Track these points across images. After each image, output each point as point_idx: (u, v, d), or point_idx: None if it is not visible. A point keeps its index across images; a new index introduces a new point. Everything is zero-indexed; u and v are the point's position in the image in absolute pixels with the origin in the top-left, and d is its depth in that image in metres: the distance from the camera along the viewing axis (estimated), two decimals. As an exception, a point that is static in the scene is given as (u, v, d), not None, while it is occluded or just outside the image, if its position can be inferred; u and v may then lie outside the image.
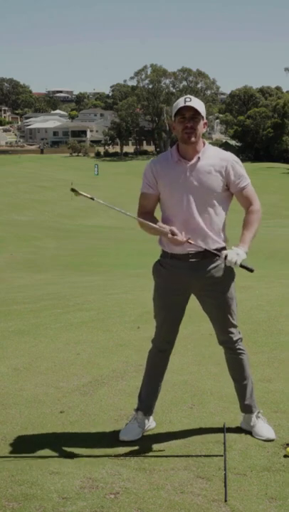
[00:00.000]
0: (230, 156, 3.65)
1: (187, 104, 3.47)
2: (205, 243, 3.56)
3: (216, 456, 3.47)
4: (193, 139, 3.51)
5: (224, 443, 3.54)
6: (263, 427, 3.74)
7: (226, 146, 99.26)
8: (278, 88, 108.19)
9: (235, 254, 3.48)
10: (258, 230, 3.65)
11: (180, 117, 3.51)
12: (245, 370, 3.81)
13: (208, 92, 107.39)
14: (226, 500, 3.02)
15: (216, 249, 3.58)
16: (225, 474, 3.21)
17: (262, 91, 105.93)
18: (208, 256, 3.58)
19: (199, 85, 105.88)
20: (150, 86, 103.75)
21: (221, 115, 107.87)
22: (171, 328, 3.78)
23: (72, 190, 3.67)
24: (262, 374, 4.87)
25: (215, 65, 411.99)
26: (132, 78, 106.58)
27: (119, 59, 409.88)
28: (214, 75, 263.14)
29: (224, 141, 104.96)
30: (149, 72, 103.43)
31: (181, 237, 3.49)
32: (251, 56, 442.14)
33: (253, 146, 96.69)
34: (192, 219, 3.56)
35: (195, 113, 3.49)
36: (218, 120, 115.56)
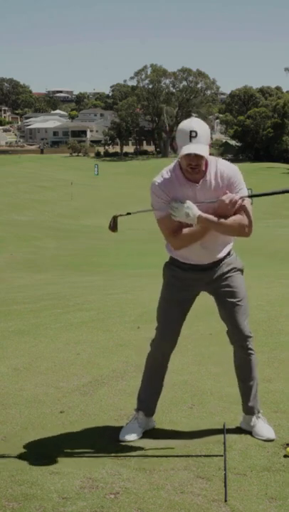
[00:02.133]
0: (233, 168, 3.58)
1: (192, 151, 3.36)
2: (218, 254, 3.67)
3: (216, 456, 3.47)
4: (197, 175, 3.49)
5: (224, 443, 3.54)
6: (263, 427, 3.74)
7: (225, 146, 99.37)
8: (278, 88, 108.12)
9: (188, 208, 3.43)
10: (227, 231, 3.52)
11: (185, 155, 3.42)
12: (252, 370, 3.80)
13: (208, 92, 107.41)
14: (226, 500, 3.02)
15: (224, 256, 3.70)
16: (225, 474, 3.21)
17: (262, 91, 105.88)
18: (219, 263, 3.69)
19: (199, 85, 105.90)
20: (150, 86, 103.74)
21: (221, 115, 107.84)
22: (173, 326, 3.78)
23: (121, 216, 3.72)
24: (262, 374, 4.86)
25: (215, 65, 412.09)
26: (132, 78, 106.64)
27: (119, 59, 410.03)
28: (214, 75, 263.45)
29: (224, 141, 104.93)
30: (149, 72, 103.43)
31: (231, 195, 3.45)
32: (251, 56, 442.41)
33: (253, 146, 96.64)
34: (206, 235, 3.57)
35: (200, 158, 3.43)
36: (218, 120, 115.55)
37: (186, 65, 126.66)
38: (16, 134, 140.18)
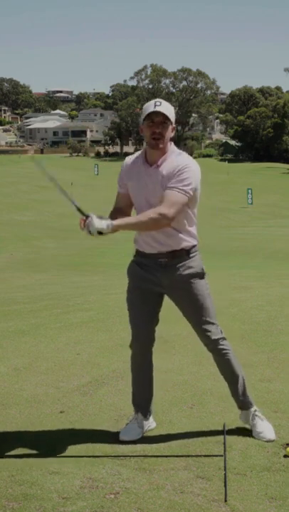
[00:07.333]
0: (183, 161, 3.53)
1: (157, 109, 3.45)
2: (172, 242, 3.58)
3: (216, 456, 3.47)
4: (161, 145, 3.52)
5: (224, 443, 3.54)
6: (263, 427, 3.73)
7: (225, 146, 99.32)
8: (278, 88, 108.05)
9: (98, 220, 3.37)
10: (141, 227, 3.52)
11: (149, 121, 3.50)
12: (234, 369, 3.77)
13: (208, 92, 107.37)
14: (225, 500, 3.02)
15: (184, 248, 3.61)
16: (225, 474, 3.21)
17: (262, 91, 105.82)
18: (177, 255, 3.61)
19: (199, 85, 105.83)
20: (150, 86, 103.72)
21: (220, 115, 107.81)
22: (142, 326, 3.75)
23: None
24: (262, 374, 4.87)
25: (215, 65, 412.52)
26: (132, 78, 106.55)
27: (119, 59, 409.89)
28: (214, 75, 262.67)
29: (224, 141, 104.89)
30: (149, 72, 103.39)
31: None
32: (251, 56, 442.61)
33: (253, 146, 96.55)
34: None
35: (164, 119, 3.47)
36: (218, 120, 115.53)
37: (186, 65, 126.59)
38: (16, 134, 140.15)
